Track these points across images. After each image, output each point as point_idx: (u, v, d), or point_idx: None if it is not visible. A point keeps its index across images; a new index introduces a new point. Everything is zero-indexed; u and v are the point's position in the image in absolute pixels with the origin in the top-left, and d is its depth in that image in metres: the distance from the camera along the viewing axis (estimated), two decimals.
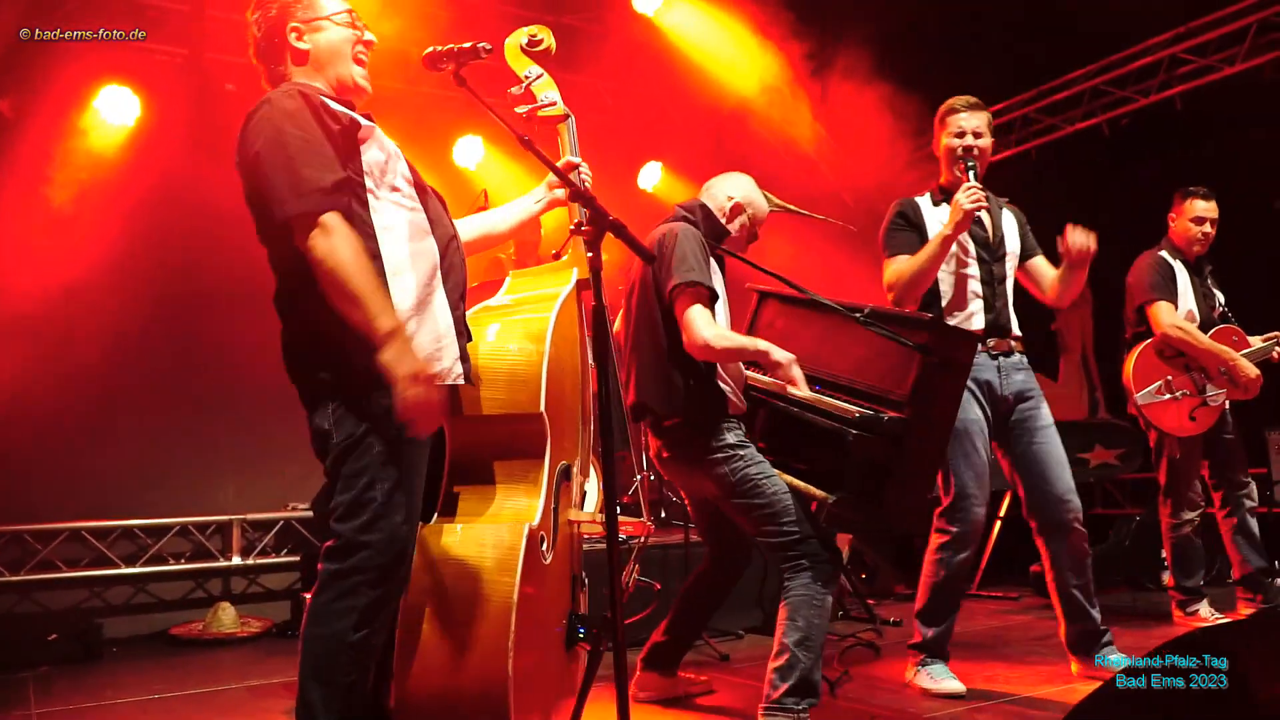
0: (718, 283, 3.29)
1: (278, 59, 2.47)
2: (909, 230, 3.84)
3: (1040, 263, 4.00)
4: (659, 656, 3.75)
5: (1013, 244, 3.95)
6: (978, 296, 3.81)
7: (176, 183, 5.64)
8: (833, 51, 7.09)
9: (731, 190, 3.55)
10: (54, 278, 5.42)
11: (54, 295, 5.42)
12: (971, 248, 3.82)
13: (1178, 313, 4.84)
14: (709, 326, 3.13)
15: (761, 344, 3.20)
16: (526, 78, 3.02)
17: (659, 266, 3.26)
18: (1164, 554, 5.80)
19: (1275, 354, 4.95)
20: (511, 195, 6.35)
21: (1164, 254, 4.99)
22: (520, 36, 3.07)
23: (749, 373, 3.47)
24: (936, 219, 3.83)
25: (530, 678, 2.42)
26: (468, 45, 2.53)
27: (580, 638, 2.75)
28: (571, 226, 2.45)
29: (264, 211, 2.27)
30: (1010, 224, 3.98)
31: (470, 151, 6.86)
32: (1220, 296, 5.04)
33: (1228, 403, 4.88)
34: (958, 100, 3.88)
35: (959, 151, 3.82)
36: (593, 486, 3.01)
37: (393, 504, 2.25)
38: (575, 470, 2.81)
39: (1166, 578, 5.42)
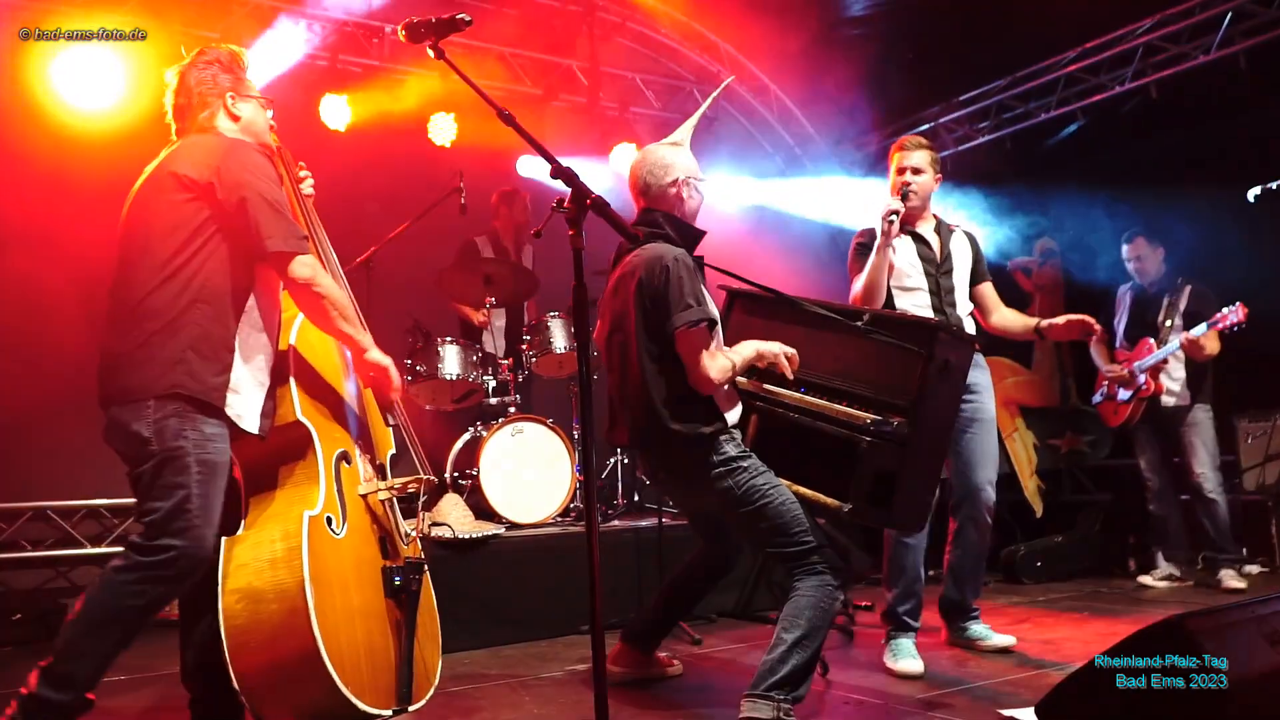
0: (710, 304, 3.21)
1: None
2: (866, 255, 3.98)
3: (987, 290, 4.24)
4: (641, 635, 3.76)
5: (961, 262, 4.13)
6: (928, 307, 3.99)
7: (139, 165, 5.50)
8: (807, 37, 7.07)
9: (664, 174, 3.39)
10: (17, 259, 5.33)
11: (18, 276, 5.34)
12: (919, 264, 4.03)
13: (1119, 326, 5.82)
14: (714, 368, 3.10)
15: (747, 351, 3.21)
16: None
17: (654, 301, 3.17)
18: (1131, 540, 6.05)
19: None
20: (487, 175, 6.35)
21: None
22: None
23: (740, 379, 3.40)
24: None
25: (363, 642, 2.69)
26: (446, 17, 2.48)
27: (397, 586, 2.85)
28: (553, 205, 2.41)
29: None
30: (962, 246, 4.17)
31: (443, 129, 6.73)
32: (1174, 317, 5.54)
33: (1168, 399, 5.53)
34: (906, 139, 4.19)
35: (898, 185, 4.08)
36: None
37: (205, 514, 2.53)
38: (356, 452, 2.99)
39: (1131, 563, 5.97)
